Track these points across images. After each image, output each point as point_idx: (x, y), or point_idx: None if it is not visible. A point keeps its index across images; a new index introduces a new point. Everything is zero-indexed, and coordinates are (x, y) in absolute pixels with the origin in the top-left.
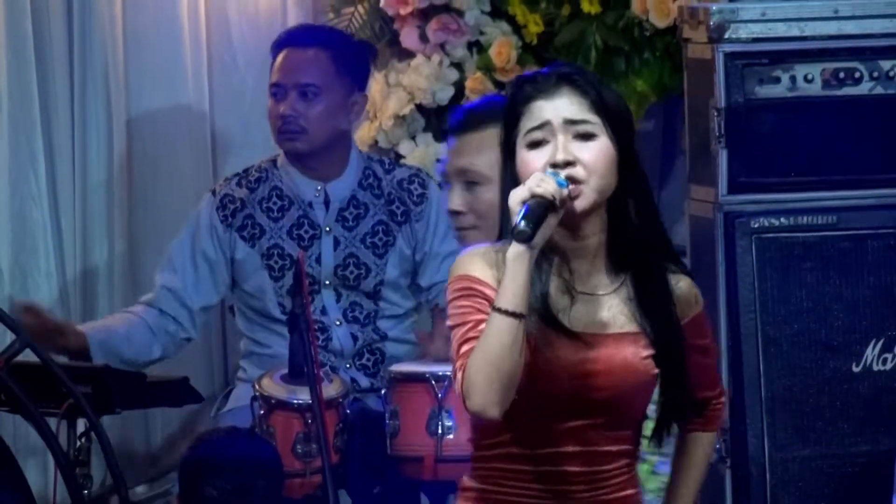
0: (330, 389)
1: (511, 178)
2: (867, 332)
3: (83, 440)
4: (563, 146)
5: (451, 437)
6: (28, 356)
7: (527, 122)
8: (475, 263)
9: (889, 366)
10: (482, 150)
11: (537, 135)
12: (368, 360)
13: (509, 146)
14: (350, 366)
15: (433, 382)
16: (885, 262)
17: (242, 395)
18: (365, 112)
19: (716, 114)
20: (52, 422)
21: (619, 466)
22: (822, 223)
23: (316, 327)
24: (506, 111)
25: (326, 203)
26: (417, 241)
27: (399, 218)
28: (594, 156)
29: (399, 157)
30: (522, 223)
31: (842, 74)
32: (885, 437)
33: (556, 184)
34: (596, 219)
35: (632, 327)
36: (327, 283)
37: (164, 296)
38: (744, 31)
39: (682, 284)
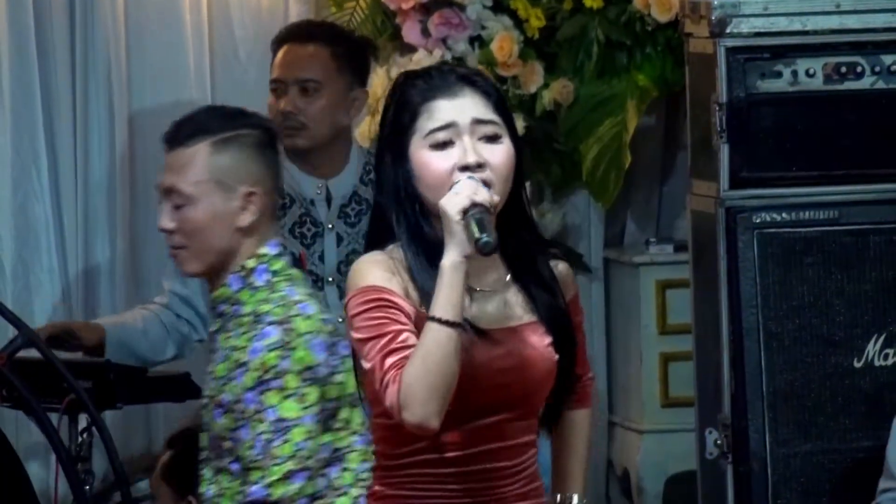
0: None
1: (403, 179)
2: (869, 327)
3: (85, 435)
4: (472, 147)
5: None
6: (30, 351)
7: (427, 122)
8: (377, 274)
9: (891, 361)
10: (187, 169)
11: (441, 136)
12: None
13: (398, 146)
14: None
15: None
16: (887, 257)
17: None
18: (367, 107)
19: (717, 108)
20: (54, 417)
21: (529, 457)
22: (823, 218)
23: None
24: (395, 109)
25: (328, 200)
26: None
27: None
28: (502, 159)
29: None
30: (485, 236)
31: (843, 69)
32: (886, 433)
33: (486, 190)
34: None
35: (530, 317)
36: (330, 280)
37: (175, 301)
38: (745, 26)
39: (560, 268)
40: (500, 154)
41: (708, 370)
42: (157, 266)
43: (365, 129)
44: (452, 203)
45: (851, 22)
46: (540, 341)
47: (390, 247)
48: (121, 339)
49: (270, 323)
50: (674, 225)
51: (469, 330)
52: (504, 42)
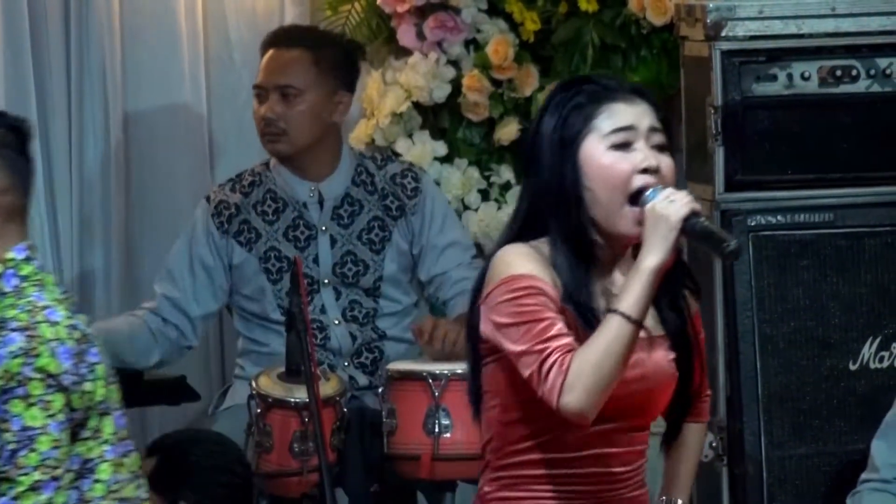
0: (327, 388)
1: (570, 178)
2: (864, 329)
3: None
4: (650, 153)
5: (447, 435)
6: None
7: (607, 122)
8: (528, 263)
9: (886, 364)
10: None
11: (622, 136)
12: (367, 358)
13: (569, 143)
14: (348, 364)
15: (430, 381)
16: (882, 259)
17: (239, 394)
18: (361, 110)
19: (712, 111)
20: None
21: (640, 465)
22: (819, 221)
23: (314, 326)
24: (564, 108)
25: (321, 202)
26: (414, 235)
27: (394, 213)
28: (670, 167)
29: (396, 154)
30: (734, 241)
31: (839, 72)
32: None
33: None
34: None
35: (658, 331)
36: (326, 282)
37: (164, 305)
38: (741, 29)
39: (686, 282)
40: (669, 165)
41: None
42: (153, 269)
43: (360, 133)
44: (672, 210)
45: (846, 25)
46: (665, 356)
47: (534, 242)
48: (105, 343)
49: (14, 329)
50: None
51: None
52: (499, 45)
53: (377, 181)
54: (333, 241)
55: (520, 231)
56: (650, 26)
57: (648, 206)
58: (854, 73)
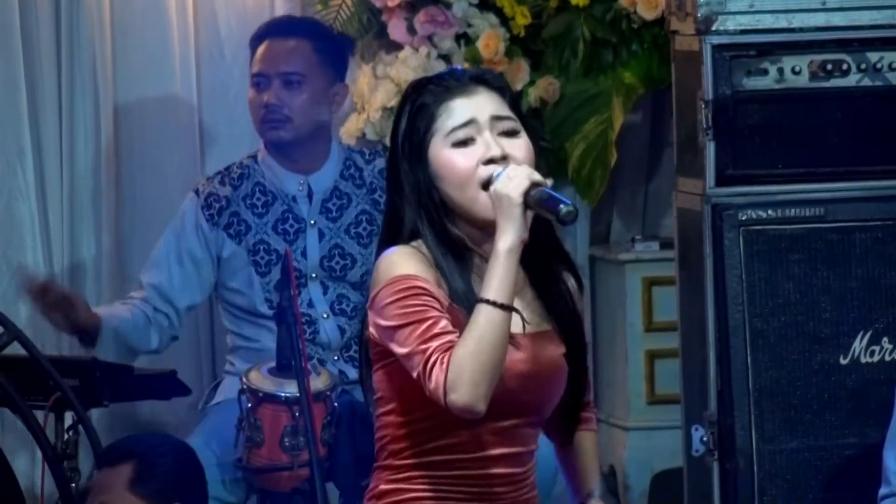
0: (317, 382)
1: (425, 182)
2: (855, 324)
3: (71, 433)
4: (493, 142)
5: None
6: (16, 349)
7: (447, 122)
8: (411, 264)
9: (876, 358)
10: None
11: (462, 133)
12: (356, 351)
13: (417, 149)
14: (338, 358)
15: None
16: (872, 254)
17: (230, 389)
18: (352, 104)
19: (703, 106)
20: (40, 415)
21: (533, 465)
22: (809, 215)
23: (303, 321)
24: (411, 113)
25: (310, 196)
26: None
27: (382, 207)
28: (524, 152)
29: (386, 149)
30: (565, 205)
31: (829, 66)
32: (872, 430)
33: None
34: None
35: (545, 325)
36: (314, 275)
37: (153, 294)
38: (731, 23)
39: (572, 282)
40: (520, 147)
41: (694, 367)
42: (143, 263)
43: (351, 127)
44: (511, 187)
45: (837, 19)
46: (555, 350)
47: (415, 243)
48: (116, 327)
49: None
50: (660, 222)
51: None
52: (490, 40)
53: (365, 175)
54: (322, 235)
55: (395, 235)
56: (641, 20)
57: (491, 189)
58: (845, 67)
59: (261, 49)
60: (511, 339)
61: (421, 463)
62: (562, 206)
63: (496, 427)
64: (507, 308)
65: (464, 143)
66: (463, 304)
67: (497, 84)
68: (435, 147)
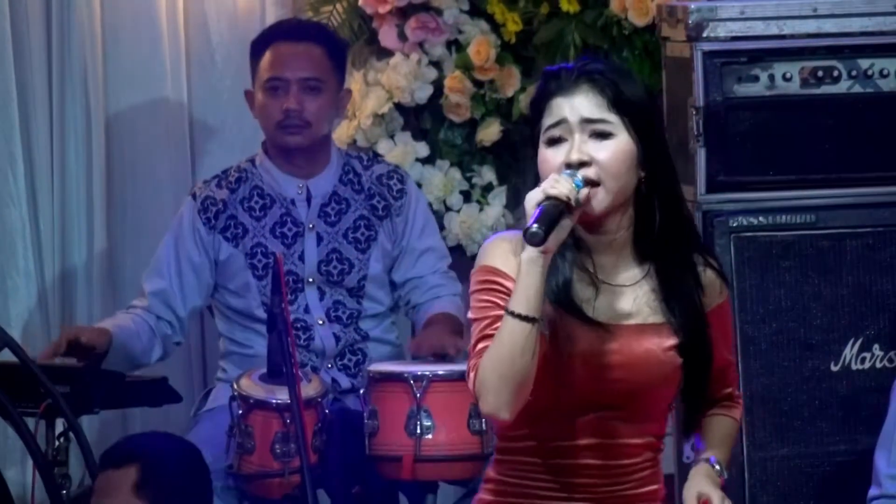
0: (309, 389)
1: (534, 173)
2: (846, 331)
3: (62, 440)
4: (578, 146)
5: (429, 437)
6: (6, 356)
7: (546, 119)
8: (499, 253)
9: (867, 365)
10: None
11: (555, 132)
12: (350, 360)
13: (533, 141)
14: (331, 366)
15: (412, 382)
16: (863, 261)
17: (221, 395)
18: (346, 111)
19: (694, 112)
20: (31, 422)
21: (643, 460)
22: (800, 222)
23: (298, 326)
24: (532, 105)
25: (308, 200)
26: (397, 236)
27: (380, 212)
28: (610, 156)
29: (377, 156)
30: (535, 226)
31: (820, 73)
32: (862, 437)
33: (572, 185)
34: (618, 215)
35: (656, 318)
36: (311, 280)
37: (155, 302)
38: (722, 30)
39: (708, 274)
40: (606, 150)
41: None
42: (135, 269)
43: (342, 133)
44: (531, 195)
45: (828, 26)
46: (660, 343)
47: None
48: (123, 342)
49: None
50: None
51: (571, 319)
52: (481, 46)
53: (364, 181)
54: (320, 239)
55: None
56: (632, 27)
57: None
58: (836, 73)
59: (271, 53)
60: (600, 327)
61: (508, 448)
62: (530, 225)
63: (590, 418)
64: (527, 319)
65: (556, 142)
66: (548, 295)
67: (602, 82)
68: (540, 143)
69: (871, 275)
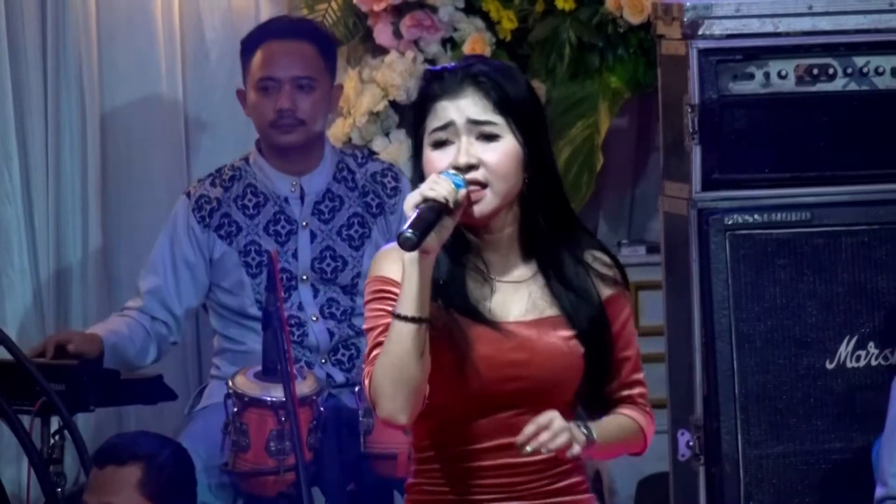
0: (304, 387)
1: (418, 175)
2: (841, 329)
3: (57, 438)
4: (465, 148)
5: None
6: (2, 353)
7: (431, 121)
8: (388, 262)
9: (863, 363)
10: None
11: (441, 135)
12: (344, 355)
13: (417, 142)
14: (325, 361)
15: None
16: (858, 258)
17: (216, 393)
18: (338, 108)
19: (689, 110)
20: (26, 419)
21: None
22: (795, 220)
23: (292, 323)
24: (414, 107)
25: (302, 197)
26: (391, 234)
27: (374, 210)
28: (497, 158)
29: (372, 153)
30: (409, 231)
31: (815, 70)
32: (858, 435)
33: (451, 185)
34: (504, 214)
35: (552, 311)
36: (304, 278)
37: (151, 302)
38: (717, 28)
39: (598, 265)
40: (494, 153)
41: (680, 372)
42: (129, 267)
43: (337, 131)
44: (409, 198)
45: (823, 24)
46: (560, 335)
47: None
48: (115, 347)
49: None
50: (646, 226)
51: (469, 321)
52: (476, 44)
53: (358, 178)
54: (313, 236)
55: None
56: (627, 25)
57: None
58: (831, 71)
59: (262, 52)
60: (498, 328)
61: (433, 456)
62: (404, 230)
63: (502, 417)
64: (413, 320)
65: (442, 144)
66: (442, 300)
67: (487, 84)
68: (424, 145)
69: (867, 272)
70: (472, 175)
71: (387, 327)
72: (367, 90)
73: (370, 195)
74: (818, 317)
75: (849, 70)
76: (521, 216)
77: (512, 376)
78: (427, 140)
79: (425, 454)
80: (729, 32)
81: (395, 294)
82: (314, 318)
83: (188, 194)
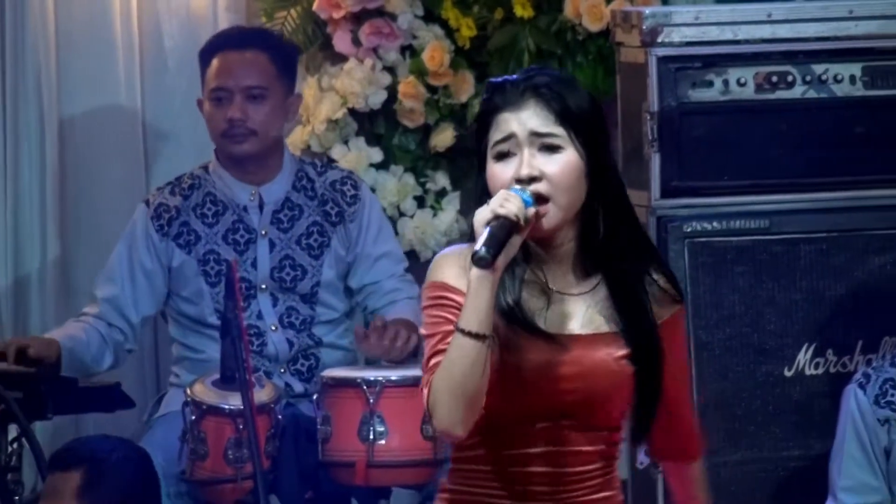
0: (262, 395)
1: (481, 187)
2: (799, 336)
3: (14, 446)
4: (527, 160)
5: (382, 442)
6: None
7: (494, 134)
8: (449, 268)
9: (821, 370)
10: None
11: (503, 147)
12: (303, 365)
13: (480, 155)
14: (284, 371)
15: (365, 388)
16: (817, 266)
17: (174, 401)
18: (297, 116)
19: (649, 118)
20: None
21: (596, 468)
22: (754, 227)
23: (251, 332)
24: (478, 119)
25: (261, 206)
26: (351, 242)
27: (333, 219)
28: (560, 170)
29: (331, 161)
30: (483, 249)
31: (774, 78)
32: (816, 442)
33: (521, 202)
34: (566, 228)
35: (607, 328)
36: (263, 287)
37: (107, 309)
38: (677, 35)
39: (659, 285)
40: (556, 164)
41: None
42: (88, 275)
43: (296, 139)
44: (479, 214)
45: (783, 31)
46: (612, 352)
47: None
48: (72, 351)
49: None
50: None
51: (522, 331)
52: (435, 51)
53: (317, 187)
54: (272, 245)
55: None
56: (586, 32)
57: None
58: (790, 79)
59: (216, 62)
60: (551, 338)
61: (461, 457)
62: (479, 248)
63: (544, 427)
64: (477, 336)
65: (504, 156)
66: (498, 309)
67: (549, 96)
68: (488, 157)
69: (825, 280)
70: (534, 187)
71: (445, 335)
72: (326, 98)
73: (329, 204)
74: (777, 324)
75: (808, 78)
76: (583, 229)
77: (560, 389)
78: (490, 153)
79: (464, 454)
80: (688, 40)
81: (454, 301)
82: (273, 328)
83: (147, 202)
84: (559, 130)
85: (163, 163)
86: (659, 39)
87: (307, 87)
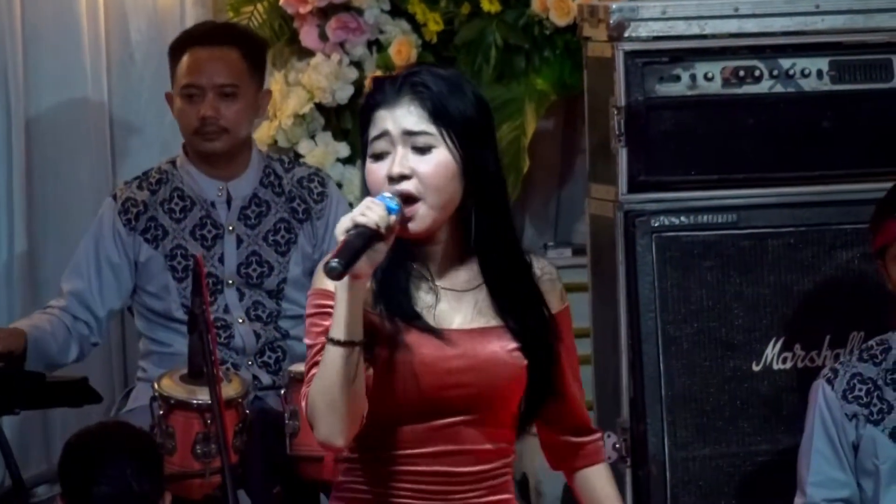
0: (229, 389)
1: (362, 186)
2: (767, 331)
3: None
4: (399, 159)
5: None
6: None
7: (371, 131)
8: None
9: (789, 365)
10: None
11: (379, 145)
12: (270, 357)
13: (363, 153)
14: (252, 363)
15: None
16: (784, 260)
17: (142, 395)
18: (266, 111)
19: (616, 112)
20: None
21: (494, 468)
22: (722, 222)
23: (218, 325)
24: (359, 115)
25: (228, 202)
26: (317, 240)
27: (300, 216)
28: (431, 170)
29: (298, 156)
30: (334, 261)
31: (742, 73)
32: (784, 437)
33: (384, 209)
34: (445, 226)
35: (497, 321)
36: (230, 282)
37: (73, 302)
38: (644, 30)
39: (545, 279)
40: (427, 164)
41: (606, 374)
42: (55, 270)
43: (263, 134)
44: (340, 223)
45: (750, 26)
46: (503, 346)
47: None
48: (37, 342)
49: None
50: (572, 229)
51: (412, 328)
52: (402, 46)
53: (284, 184)
54: (239, 241)
55: None
56: (553, 27)
57: None
58: (757, 73)
59: (187, 58)
60: (440, 335)
61: (366, 457)
62: (331, 259)
63: (439, 424)
64: (346, 344)
65: (380, 155)
66: (388, 308)
67: (423, 93)
68: (367, 155)
69: (793, 274)
70: (404, 186)
71: (323, 346)
72: (292, 93)
73: (297, 201)
74: (745, 319)
75: (775, 72)
76: (464, 227)
77: (452, 383)
78: (368, 150)
79: (358, 454)
80: (655, 34)
81: (328, 308)
82: (240, 321)
83: (115, 197)
84: (432, 129)
85: (130, 157)
86: (626, 34)
87: (274, 82)
